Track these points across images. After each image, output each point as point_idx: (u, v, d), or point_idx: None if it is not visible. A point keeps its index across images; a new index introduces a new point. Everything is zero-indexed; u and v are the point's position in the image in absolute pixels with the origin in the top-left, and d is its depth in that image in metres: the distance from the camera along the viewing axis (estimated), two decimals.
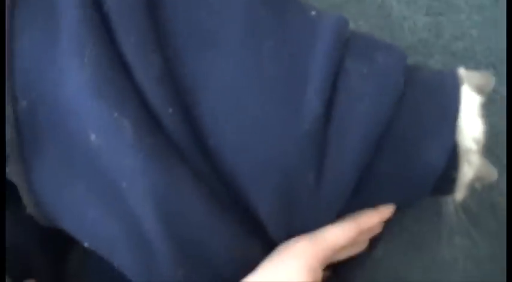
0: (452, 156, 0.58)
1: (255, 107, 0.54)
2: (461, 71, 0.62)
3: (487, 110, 0.60)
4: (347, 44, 0.58)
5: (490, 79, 0.62)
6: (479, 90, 0.61)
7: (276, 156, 0.54)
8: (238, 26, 0.55)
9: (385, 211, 0.62)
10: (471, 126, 0.59)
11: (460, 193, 0.63)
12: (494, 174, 0.61)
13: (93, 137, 0.50)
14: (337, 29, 0.57)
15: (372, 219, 0.61)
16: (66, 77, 0.50)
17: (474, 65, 0.80)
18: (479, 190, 0.62)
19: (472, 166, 0.60)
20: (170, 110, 0.51)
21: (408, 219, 0.72)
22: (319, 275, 0.57)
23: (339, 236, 0.58)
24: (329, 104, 0.55)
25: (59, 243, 0.61)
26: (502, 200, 0.72)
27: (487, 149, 0.60)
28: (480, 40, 0.81)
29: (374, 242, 0.66)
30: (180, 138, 0.52)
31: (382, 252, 0.67)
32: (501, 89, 0.80)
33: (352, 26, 0.76)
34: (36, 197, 0.53)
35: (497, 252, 0.72)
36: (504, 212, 0.72)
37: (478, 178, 0.61)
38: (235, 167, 0.54)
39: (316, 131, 0.54)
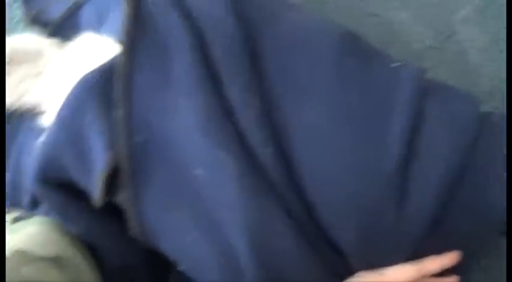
0: None
1: (343, 148, 0.59)
2: None
3: None
4: (426, 92, 0.63)
5: None
6: None
7: (360, 193, 0.59)
8: (329, 73, 0.62)
9: (448, 258, 0.64)
10: None
11: None
12: None
13: (198, 171, 0.57)
14: (417, 78, 0.63)
15: (434, 264, 0.63)
16: (178, 115, 0.57)
17: None
18: None
19: None
20: (269, 150, 0.58)
21: None
22: None
23: (398, 275, 0.62)
24: (410, 146, 0.60)
25: (161, 265, 0.68)
26: None
27: None
28: None
29: None
30: (275, 176, 0.58)
31: None
32: None
33: (431, 73, 0.82)
34: (142, 221, 0.60)
35: None
36: None
37: None
38: (322, 202, 0.59)
39: (397, 170, 0.59)
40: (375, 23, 0.85)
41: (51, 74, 0.71)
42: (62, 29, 0.76)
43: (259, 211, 0.57)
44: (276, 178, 0.58)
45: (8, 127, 0.80)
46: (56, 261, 0.57)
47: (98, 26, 0.69)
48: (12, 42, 0.77)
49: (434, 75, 0.81)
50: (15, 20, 0.87)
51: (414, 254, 0.63)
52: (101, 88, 0.59)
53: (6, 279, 0.52)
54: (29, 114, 0.78)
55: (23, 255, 0.55)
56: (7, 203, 0.78)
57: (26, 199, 0.76)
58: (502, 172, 0.62)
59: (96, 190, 0.59)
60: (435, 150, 0.60)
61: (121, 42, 0.60)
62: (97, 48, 0.65)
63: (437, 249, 0.64)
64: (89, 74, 0.61)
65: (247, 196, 0.56)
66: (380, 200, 0.59)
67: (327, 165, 0.59)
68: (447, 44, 0.84)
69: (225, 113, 0.58)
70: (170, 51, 0.60)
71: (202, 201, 0.58)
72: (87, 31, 0.69)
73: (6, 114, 0.78)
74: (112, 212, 0.63)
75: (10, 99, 0.78)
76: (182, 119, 0.57)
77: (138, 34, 0.60)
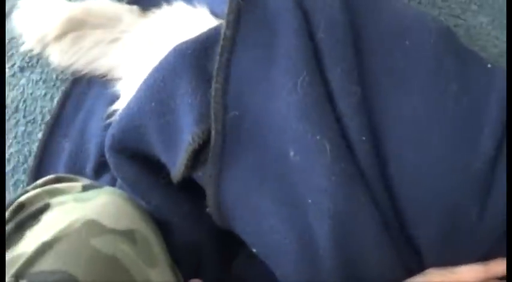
0: None
1: (435, 143, 0.59)
2: None
3: None
4: None
5: None
6: None
7: (448, 190, 0.58)
8: (427, 68, 0.61)
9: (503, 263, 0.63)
10: None
11: None
12: None
13: (292, 153, 0.56)
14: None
15: (502, 266, 0.62)
16: (277, 95, 0.56)
17: None
18: None
19: None
20: (363, 138, 0.56)
21: None
22: None
23: (466, 274, 0.61)
24: (500, 147, 0.59)
25: (229, 245, 0.66)
26: None
27: None
28: None
29: None
30: (366, 165, 0.57)
31: None
32: None
33: None
34: (221, 199, 0.58)
35: None
36: None
37: None
38: (409, 197, 0.58)
39: (486, 170, 0.58)
40: (454, 24, 0.83)
41: (131, 41, 0.70)
42: None
43: (347, 199, 0.55)
44: (367, 168, 0.57)
45: (75, 91, 0.79)
46: (127, 234, 0.55)
47: None
48: (88, 5, 0.76)
49: None
50: None
51: (485, 255, 0.63)
52: (196, 59, 0.58)
53: (75, 250, 0.51)
54: (100, 80, 0.76)
55: (94, 225, 0.53)
56: (66, 169, 0.77)
57: (89, 167, 0.75)
58: None
59: (179, 164, 0.58)
60: None
61: (229, 13, 0.58)
62: (189, 19, 0.64)
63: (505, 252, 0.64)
64: (183, 44, 0.59)
65: (338, 183, 0.55)
66: (465, 199, 0.58)
67: (418, 159, 0.58)
68: None
69: (325, 97, 0.56)
70: (276, 30, 0.58)
71: (290, 185, 0.56)
72: (177, 1, 0.67)
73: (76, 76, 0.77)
74: (186, 188, 0.62)
75: (81, 63, 0.76)
76: (281, 99, 0.56)
77: (244, 9, 0.58)
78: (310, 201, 0.56)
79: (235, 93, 0.57)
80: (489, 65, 0.64)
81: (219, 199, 0.58)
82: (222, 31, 0.58)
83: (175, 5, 0.67)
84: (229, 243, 0.66)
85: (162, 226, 0.62)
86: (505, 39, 0.83)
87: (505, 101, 0.61)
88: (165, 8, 0.69)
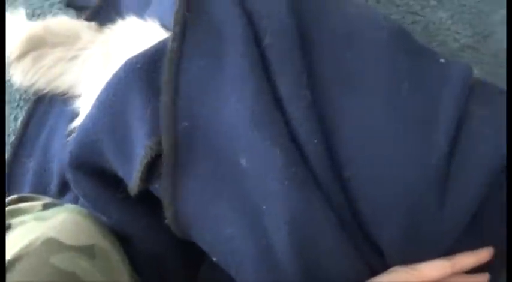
0: None
1: (389, 143, 0.59)
2: None
3: None
4: (472, 89, 0.62)
5: None
6: None
7: (405, 189, 0.58)
8: (379, 68, 0.61)
9: (482, 255, 0.63)
10: None
11: None
12: None
13: (244, 160, 0.56)
14: (464, 75, 0.62)
15: (468, 260, 0.63)
16: (226, 104, 0.56)
17: None
18: None
19: None
20: (315, 141, 0.56)
21: None
22: None
23: (432, 271, 0.61)
24: (454, 143, 0.59)
25: (194, 253, 0.66)
26: None
27: None
28: None
29: None
30: (319, 168, 0.57)
31: None
32: None
33: None
34: (179, 210, 0.58)
35: None
36: None
37: None
38: (367, 198, 0.58)
39: (441, 166, 0.58)
40: (412, 21, 0.84)
41: (89, 58, 0.70)
42: (101, 13, 0.75)
43: (302, 203, 0.56)
44: (320, 170, 0.57)
45: (38, 110, 0.79)
46: (86, 250, 0.56)
47: (140, 10, 0.68)
48: (47, 23, 0.76)
49: None
50: (49, 2, 0.85)
51: (449, 251, 0.62)
52: (146, 73, 0.58)
53: (35, 268, 0.51)
54: (61, 98, 0.77)
55: (53, 243, 0.54)
56: (31, 189, 0.77)
57: (53, 185, 0.76)
58: None
59: (134, 177, 0.58)
60: (478, 148, 0.60)
61: (175, 24, 0.58)
62: (141, 32, 0.64)
63: (472, 246, 0.64)
64: (133, 58, 0.59)
65: (292, 187, 0.55)
66: (423, 196, 0.58)
67: (373, 159, 0.58)
68: (484, 44, 0.83)
69: (274, 102, 0.57)
70: (223, 39, 0.59)
71: (245, 193, 0.57)
72: (129, 15, 0.68)
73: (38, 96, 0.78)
74: (144, 201, 0.62)
75: (42, 82, 0.77)
76: (230, 107, 0.56)
77: (190, 20, 0.59)
78: (265, 207, 0.56)
79: (185, 104, 0.57)
80: (442, 60, 0.64)
81: (176, 210, 0.58)
82: (169, 43, 0.58)
83: (127, 20, 0.67)
84: (194, 252, 0.66)
85: (123, 240, 0.62)
86: (466, 33, 0.84)
87: (459, 94, 0.61)
88: (119, 23, 0.69)
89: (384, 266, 0.61)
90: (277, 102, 0.57)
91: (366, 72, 0.60)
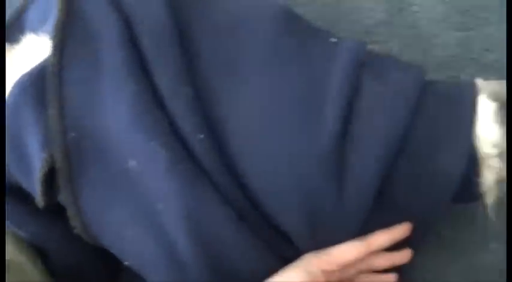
0: (471, 162, 0.62)
1: (277, 130, 0.59)
2: (478, 81, 0.66)
3: None
4: (364, 65, 0.63)
5: (505, 87, 0.65)
6: (496, 97, 0.64)
7: (300, 176, 0.58)
8: (262, 55, 0.61)
9: (397, 231, 0.64)
10: (488, 132, 0.62)
11: (489, 198, 0.66)
12: None
13: (132, 163, 0.57)
14: (354, 51, 0.62)
15: (381, 238, 0.63)
16: (109, 110, 0.57)
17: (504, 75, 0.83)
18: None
19: (492, 170, 0.62)
20: (201, 136, 0.57)
21: (444, 227, 0.75)
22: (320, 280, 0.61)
23: (345, 252, 0.62)
24: (346, 121, 0.59)
25: (113, 262, 0.66)
26: None
27: None
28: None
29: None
30: (209, 162, 0.58)
31: (420, 259, 0.70)
32: None
33: (383, 47, 0.82)
34: (82, 219, 0.59)
35: None
36: None
37: (502, 180, 0.63)
38: (261, 188, 0.59)
39: (334, 147, 0.58)
40: (322, 3, 0.84)
41: None
42: (9, 34, 0.76)
43: (195, 199, 0.56)
44: (210, 165, 0.58)
45: None
46: None
47: (39, 27, 0.69)
48: None
49: (387, 50, 0.82)
50: None
51: (363, 231, 0.63)
52: (35, 89, 0.59)
53: None
54: None
55: None
56: None
57: None
58: (449, 136, 0.62)
59: (37, 191, 0.59)
60: (372, 124, 0.60)
61: (53, 37, 0.59)
62: (35, 49, 0.65)
63: (387, 224, 0.64)
64: (24, 76, 0.60)
65: (182, 185, 0.56)
66: (320, 181, 0.58)
67: (264, 149, 0.59)
68: (399, 17, 0.83)
69: (156, 103, 0.57)
70: (100, 43, 0.59)
71: (139, 195, 0.58)
72: (30, 33, 0.69)
73: None
74: (58, 213, 0.62)
75: None
76: (113, 112, 0.57)
77: (68, 30, 0.59)
78: (161, 207, 0.57)
79: (72, 115, 0.58)
80: (334, 40, 0.65)
81: (82, 219, 0.59)
82: (49, 58, 0.59)
83: (26, 38, 0.68)
84: (113, 260, 0.67)
85: (41, 252, 0.63)
86: (381, 8, 0.84)
87: (348, 71, 0.61)
88: (22, 42, 0.70)
89: (297, 254, 0.62)
90: (159, 101, 0.58)
91: (250, 61, 0.60)
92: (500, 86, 0.65)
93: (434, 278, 0.74)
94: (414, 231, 0.65)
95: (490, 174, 0.63)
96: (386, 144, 0.59)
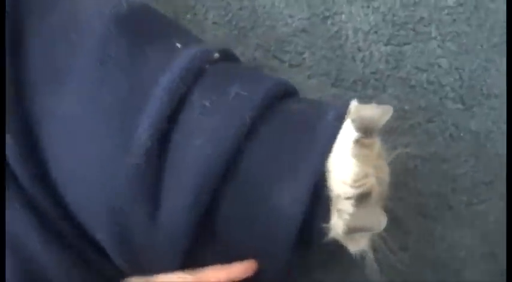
0: (316, 202, 0.50)
1: (88, 142, 0.52)
2: (352, 103, 0.54)
3: None
4: (199, 77, 0.53)
5: (385, 113, 0.53)
6: (368, 126, 0.52)
7: (106, 192, 0.51)
8: (88, 60, 0.53)
9: (236, 269, 0.54)
10: (342, 168, 0.50)
11: (352, 245, 0.54)
12: (378, 224, 0.51)
13: None
14: (188, 62, 0.53)
15: (216, 274, 0.54)
16: None
17: (438, 99, 0.69)
18: None
19: (342, 215, 0.51)
20: (11, 141, 0.51)
21: None
22: None
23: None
24: (164, 138, 0.51)
25: None
26: None
27: None
28: (450, 71, 0.70)
29: None
30: (18, 169, 0.52)
31: None
32: (471, 124, 0.68)
33: (297, 59, 0.71)
34: None
35: None
36: None
37: (355, 229, 0.51)
38: (74, 200, 0.53)
39: (145, 165, 0.50)
40: (239, 7, 0.74)
41: None
42: None
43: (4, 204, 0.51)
44: (20, 172, 0.52)
45: None
46: None
47: None
48: None
49: (298, 62, 0.71)
50: None
51: (198, 264, 0.55)
52: None
53: None
54: None
55: None
56: None
57: None
58: (289, 167, 0.51)
59: None
60: (194, 141, 0.51)
61: None
62: None
63: (227, 260, 0.55)
64: None
65: None
66: (127, 195, 0.51)
67: (73, 162, 0.52)
68: (322, 27, 0.72)
69: None
70: None
71: None
72: None
73: None
74: None
75: None
76: None
77: None
78: None
79: None
80: (178, 45, 0.56)
81: None
82: None
83: None
84: None
85: None
86: (304, 15, 0.73)
87: (173, 83, 0.52)
88: None
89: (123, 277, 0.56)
90: None
91: (76, 67, 0.53)
92: (379, 113, 0.53)
93: None
94: (266, 272, 0.55)
95: (340, 221, 0.51)
96: (205, 168, 0.50)
